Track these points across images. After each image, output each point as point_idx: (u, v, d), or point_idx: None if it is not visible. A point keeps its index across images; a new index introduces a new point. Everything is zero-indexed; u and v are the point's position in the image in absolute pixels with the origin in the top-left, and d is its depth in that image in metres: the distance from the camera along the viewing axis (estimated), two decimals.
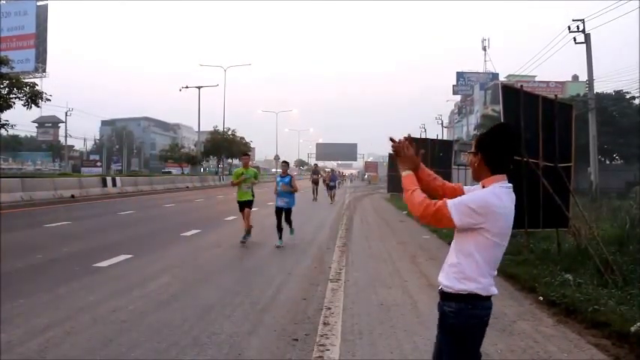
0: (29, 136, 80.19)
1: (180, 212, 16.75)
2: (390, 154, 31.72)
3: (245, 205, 9.55)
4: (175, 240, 9.82)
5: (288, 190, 9.37)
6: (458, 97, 75.89)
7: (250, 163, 10.37)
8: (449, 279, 2.18)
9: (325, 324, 4.57)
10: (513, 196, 2.18)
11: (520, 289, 6.03)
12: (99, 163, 67.00)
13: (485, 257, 2.13)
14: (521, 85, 8.34)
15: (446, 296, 2.19)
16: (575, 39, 22.17)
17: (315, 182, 25.94)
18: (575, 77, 52.05)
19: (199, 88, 48.56)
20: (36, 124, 78.68)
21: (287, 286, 6.18)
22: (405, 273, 7.06)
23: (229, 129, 54.91)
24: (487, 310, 2.19)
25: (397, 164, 2.36)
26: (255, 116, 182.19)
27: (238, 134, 55.83)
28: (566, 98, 27.28)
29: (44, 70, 45.40)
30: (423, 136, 35.78)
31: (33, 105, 22.27)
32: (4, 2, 46.17)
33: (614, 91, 33.62)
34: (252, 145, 64.26)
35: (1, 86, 21.65)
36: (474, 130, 54.82)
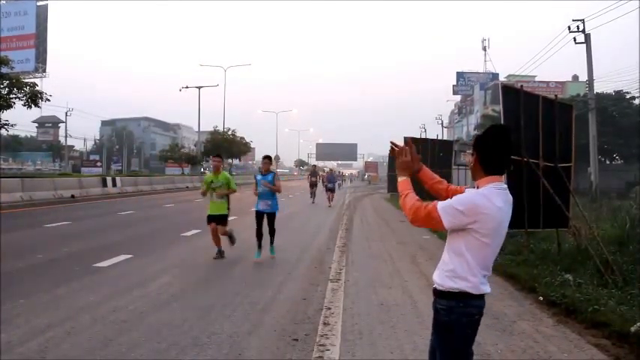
0: (29, 136, 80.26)
1: (180, 212, 16.74)
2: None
3: (217, 221, 7.81)
4: (175, 240, 9.82)
5: (270, 190, 7.86)
6: (458, 97, 75.87)
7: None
8: (441, 277, 2.24)
9: (325, 324, 4.57)
10: (508, 197, 2.19)
11: (520, 289, 6.02)
12: (99, 163, 66.99)
13: (475, 257, 2.15)
14: (521, 85, 8.33)
15: (438, 294, 2.24)
16: (575, 39, 22.19)
17: (313, 185, 23.64)
18: (575, 77, 52.07)
19: (199, 88, 48.56)
20: (36, 124, 78.73)
21: (287, 286, 6.18)
22: (405, 273, 7.06)
23: (229, 129, 54.95)
24: (479, 308, 2.21)
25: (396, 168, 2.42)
26: (255, 116, 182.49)
27: (238, 134, 55.86)
28: (566, 98, 27.28)
29: (44, 70, 45.42)
30: (423, 137, 35.81)
31: (33, 105, 22.26)
32: (4, 2, 46.20)
33: (614, 91, 33.65)
34: (252, 145, 64.26)
35: (1, 86, 21.65)
36: (474, 130, 54.84)
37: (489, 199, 2.11)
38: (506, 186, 2.18)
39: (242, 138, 56.48)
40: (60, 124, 70.24)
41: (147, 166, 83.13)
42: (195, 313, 4.87)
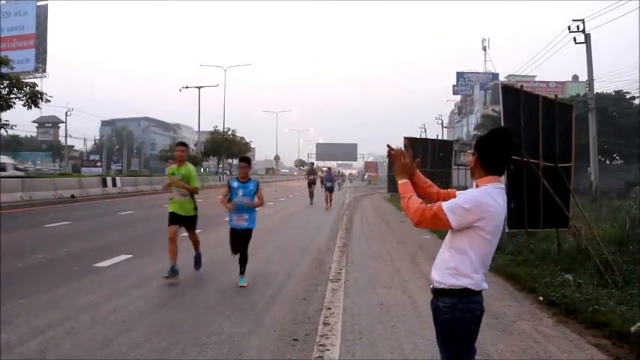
0: (29, 136, 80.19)
1: None
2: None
3: (183, 223, 6.32)
4: None
5: (248, 204, 6.06)
6: (458, 97, 75.86)
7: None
8: (441, 275, 2.25)
9: (325, 324, 4.57)
10: (505, 196, 2.27)
11: (520, 289, 6.03)
12: (99, 163, 66.92)
13: (478, 254, 2.20)
14: (521, 85, 8.33)
15: (439, 292, 2.26)
16: (575, 39, 22.19)
17: (312, 184, 22.16)
18: (575, 77, 52.07)
19: (199, 88, 48.51)
20: (36, 124, 78.69)
21: (287, 286, 6.18)
22: (405, 273, 7.06)
23: (229, 129, 54.94)
24: (479, 304, 2.25)
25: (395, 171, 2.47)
26: (255, 116, 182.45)
27: (238, 134, 55.86)
28: (566, 98, 27.28)
29: (44, 70, 45.34)
30: (423, 137, 35.81)
31: (33, 105, 22.24)
32: (4, 2, 46.13)
33: (614, 91, 33.65)
34: (252, 145, 64.26)
35: (1, 86, 21.62)
36: (474, 130, 54.80)
37: (493, 197, 2.18)
38: (503, 186, 2.26)
39: (242, 138, 56.48)
40: (60, 124, 70.22)
41: (147, 166, 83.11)
42: (195, 313, 4.87)
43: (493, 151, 2.24)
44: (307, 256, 8.41)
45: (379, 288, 6.10)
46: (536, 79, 50.27)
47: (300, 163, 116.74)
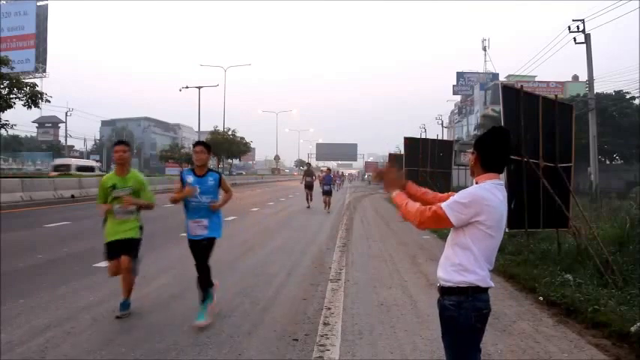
0: (29, 136, 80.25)
1: (181, 212, 16.64)
2: (390, 155, 31.77)
3: (121, 250, 4.77)
4: (175, 240, 9.79)
5: (211, 204, 4.66)
6: (458, 97, 75.87)
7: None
8: (447, 273, 2.26)
9: (325, 324, 4.57)
10: (505, 193, 2.30)
11: (520, 289, 6.03)
12: (99, 164, 66.96)
13: (481, 249, 2.22)
14: (521, 85, 8.32)
15: (446, 290, 2.27)
16: (575, 39, 22.18)
17: (309, 186, 19.90)
18: (575, 77, 52.10)
19: (199, 88, 48.57)
20: (36, 125, 78.82)
21: (287, 286, 6.18)
22: (405, 273, 7.06)
23: (229, 129, 54.97)
24: (486, 302, 2.27)
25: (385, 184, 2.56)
26: (255, 116, 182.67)
27: (238, 134, 55.89)
28: (566, 98, 27.30)
29: (44, 71, 45.44)
30: (423, 137, 35.78)
31: (33, 105, 22.26)
32: (4, 2, 46.18)
33: (614, 91, 33.67)
34: (252, 145, 64.26)
35: (1, 86, 21.64)
36: (474, 130, 54.82)
37: (491, 192, 2.21)
38: (502, 182, 2.28)
39: (242, 138, 56.53)
40: (60, 124, 70.29)
41: (147, 166, 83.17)
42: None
43: (492, 150, 2.27)
44: (307, 256, 8.41)
45: (379, 288, 6.10)
46: (536, 79, 50.31)
47: (300, 163, 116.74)
